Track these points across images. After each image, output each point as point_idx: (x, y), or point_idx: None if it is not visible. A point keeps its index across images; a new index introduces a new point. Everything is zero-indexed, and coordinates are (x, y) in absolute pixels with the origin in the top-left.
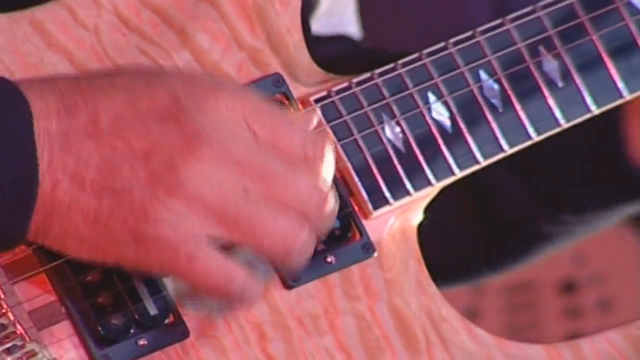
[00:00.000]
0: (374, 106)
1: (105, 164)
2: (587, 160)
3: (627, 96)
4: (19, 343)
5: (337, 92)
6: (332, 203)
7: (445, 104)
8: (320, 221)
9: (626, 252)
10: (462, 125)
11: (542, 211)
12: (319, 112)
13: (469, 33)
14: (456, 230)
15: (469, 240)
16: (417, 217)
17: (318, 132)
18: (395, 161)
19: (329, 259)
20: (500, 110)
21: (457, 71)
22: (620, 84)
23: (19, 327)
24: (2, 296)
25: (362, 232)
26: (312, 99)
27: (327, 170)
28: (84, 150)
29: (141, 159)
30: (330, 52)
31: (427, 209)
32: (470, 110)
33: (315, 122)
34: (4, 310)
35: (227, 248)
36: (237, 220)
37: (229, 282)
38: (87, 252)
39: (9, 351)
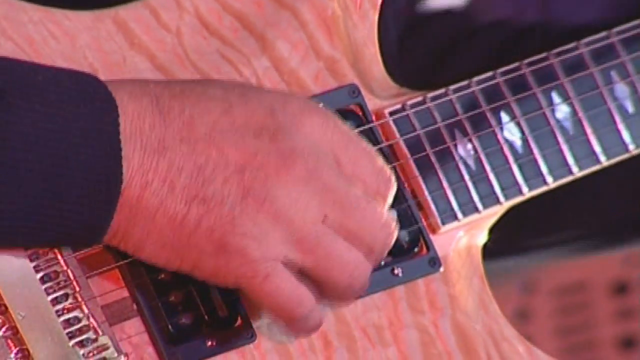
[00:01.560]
0: (447, 122)
1: (198, 171)
2: None
3: None
4: (92, 336)
5: (412, 106)
6: (393, 241)
7: (518, 124)
8: (381, 257)
9: None
10: (533, 146)
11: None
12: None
13: (542, 55)
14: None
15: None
16: (483, 236)
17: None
18: (466, 178)
19: (396, 272)
20: (571, 133)
21: (530, 92)
22: None
23: (92, 320)
24: (77, 289)
25: (430, 247)
26: (386, 111)
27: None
28: (178, 156)
29: (235, 171)
30: (405, 67)
31: (493, 229)
32: (541, 132)
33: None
34: (78, 303)
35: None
36: (314, 247)
37: (297, 306)
38: (164, 257)
39: (81, 344)
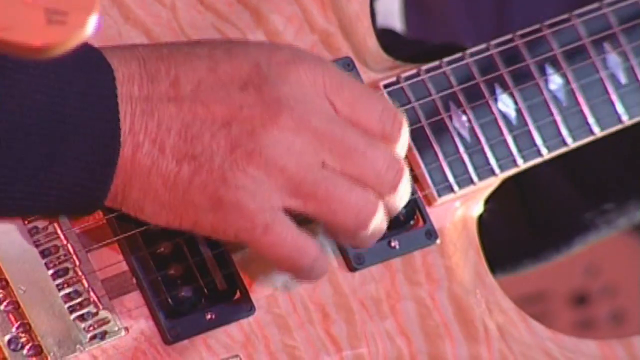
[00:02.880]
0: (441, 94)
1: (186, 129)
2: (632, 149)
3: None
4: (93, 310)
5: (406, 79)
6: (406, 181)
7: (512, 95)
8: (394, 199)
9: (638, 263)
10: (527, 117)
11: (584, 201)
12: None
13: (536, 26)
14: (501, 222)
15: (511, 231)
16: (478, 207)
17: (397, 110)
18: (461, 150)
19: (392, 244)
20: (565, 104)
21: (523, 64)
22: None
23: (92, 294)
24: (78, 263)
25: (426, 219)
26: (381, 84)
27: (402, 148)
28: (166, 115)
29: (222, 125)
30: (397, 41)
31: (488, 200)
32: (535, 103)
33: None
34: (78, 277)
35: (300, 223)
36: (314, 191)
37: (301, 255)
38: (164, 217)
39: (82, 317)
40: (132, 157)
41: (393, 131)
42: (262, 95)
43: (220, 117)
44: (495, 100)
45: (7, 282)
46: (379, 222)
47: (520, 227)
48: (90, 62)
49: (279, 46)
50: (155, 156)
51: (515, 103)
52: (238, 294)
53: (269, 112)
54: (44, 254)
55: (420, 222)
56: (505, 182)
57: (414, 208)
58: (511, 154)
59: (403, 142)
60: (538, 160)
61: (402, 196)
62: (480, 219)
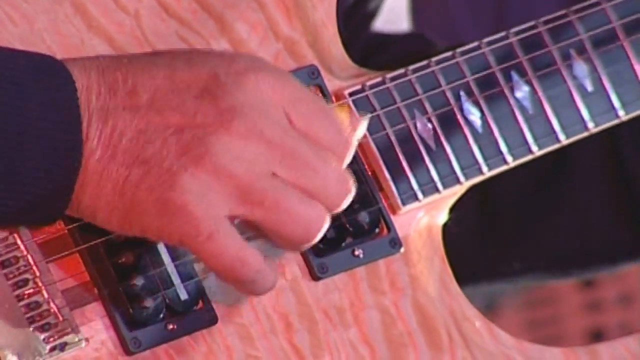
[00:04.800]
0: (406, 102)
1: (139, 135)
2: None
3: None
4: (52, 321)
5: (371, 87)
6: (351, 198)
7: (477, 103)
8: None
9: None
10: (492, 125)
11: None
12: (364, 123)
13: (501, 34)
14: (472, 230)
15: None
16: (443, 216)
17: (350, 131)
18: (426, 158)
19: (356, 252)
20: (531, 112)
21: (489, 71)
22: None
23: (52, 305)
24: (37, 274)
25: (390, 228)
26: (346, 92)
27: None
28: (120, 123)
29: (174, 131)
30: (364, 47)
31: (452, 209)
32: (500, 111)
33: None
34: (38, 288)
35: (245, 234)
36: (262, 200)
37: (243, 266)
38: (115, 222)
39: (42, 328)
40: (85, 163)
41: (343, 150)
42: (216, 102)
43: (174, 124)
44: (461, 108)
45: None
46: (321, 234)
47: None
48: (51, 72)
49: (240, 55)
50: (107, 161)
51: (481, 111)
52: (200, 304)
53: (221, 119)
54: (3, 264)
55: (385, 231)
56: (469, 191)
57: (379, 216)
58: (476, 162)
59: (347, 161)
60: (503, 168)
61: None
62: (445, 227)
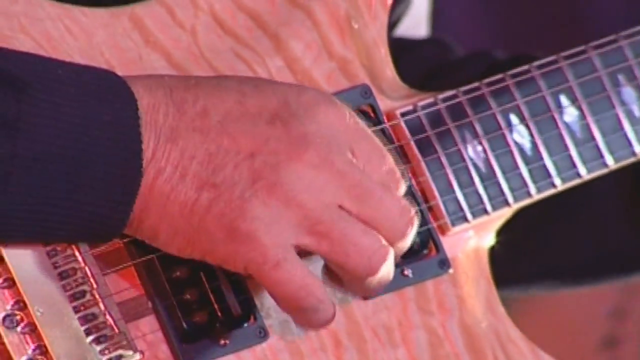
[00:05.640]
0: (457, 123)
1: (209, 158)
2: None
3: None
4: (108, 333)
5: (423, 107)
6: (415, 230)
7: (527, 126)
8: (402, 246)
9: None
10: (541, 149)
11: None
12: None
13: (552, 57)
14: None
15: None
16: (490, 237)
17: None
18: (476, 180)
19: (405, 272)
20: (579, 136)
21: (539, 94)
22: None
23: (108, 317)
24: (95, 286)
25: (439, 248)
26: (398, 112)
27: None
28: (190, 144)
29: (246, 156)
30: (415, 69)
31: (500, 232)
32: (550, 135)
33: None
34: (95, 300)
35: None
36: (329, 231)
37: (307, 295)
38: (177, 245)
39: (98, 341)
40: (152, 183)
41: (396, 189)
42: (289, 130)
43: (245, 149)
44: (511, 131)
45: (25, 304)
46: (388, 268)
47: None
48: (114, 90)
49: (307, 87)
50: (175, 183)
51: (531, 134)
52: (252, 320)
53: (294, 147)
54: (62, 276)
55: (434, 252)
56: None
57: (428, 237)
58: (525, 184)
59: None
60: (552, 191)
61: (408, 244)
62: (492, 249)
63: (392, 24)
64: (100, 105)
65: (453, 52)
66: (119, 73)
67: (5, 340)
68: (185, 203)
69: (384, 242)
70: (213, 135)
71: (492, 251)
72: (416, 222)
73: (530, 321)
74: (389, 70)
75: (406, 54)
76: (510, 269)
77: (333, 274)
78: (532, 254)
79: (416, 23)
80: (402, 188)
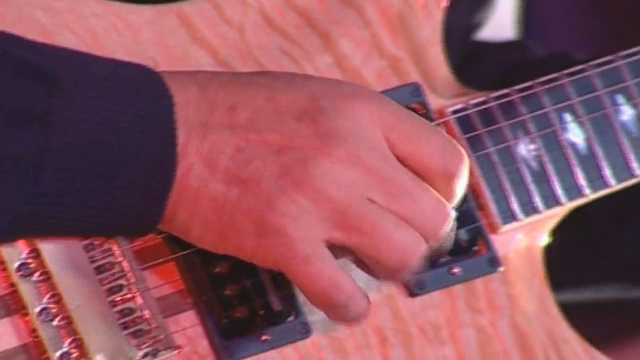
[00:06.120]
0: (510, 122)
1: (238, 154)
2: None
3: None
4: (145, 328)
5: (475, 105)
6: (450, 228)
7: (581, 125)
8: (437, 242)
9: None
10: (596, 147)
11: None
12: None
13: (609, 57)
14: (582, 253)
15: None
16: (544, 237)
17: (458, 145)
18: (528, 178)
19: (454, 270)
20: (635, 135)
21: (594, 93)
22: None
23: (146, 311)
24: (132, 280)
25: (489, 247)
26: (449, 110)
27: (463, 183)
28: (219, 139)
29: (274, 152)
30: (470, 67)
31: (555, 231)
32: (605, 134)
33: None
34: (132, 295)
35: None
36: (359, 225)
37: (336, 291)
38: (209, 240)
39: (135, 335)
40: (182, 179)
41: (455, 166)
42: (316, 126)
43: (273, 144)
44: (565, 129)
45: (61, 297)
46: (419, 263)
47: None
48: (149, 85)
49: (339, 81)
50: (205, 179)
51: (585, 133)
52: (294, 316)
53: (322, 143)
54: (99, 270)
55: (484, 250)
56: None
57: (478, 235)
58: (579, 183)
59: (464, 178)
60: (607, 190)
61: (442, 240)
62: (547, 248)
63: (475, 27)
64: (135, 100)
65: (535, 54)
66: (164, 70)
67: (41, 334)
68: (214, 198)
69: (417, 235)
70: (241, 131)
71: (548, 251)
72: (452, 219)
73: None
74: (442, 69)
75: (487, 56)
76: (572, 270)
77: (365, 266)
78: (593, 255)
79: (501, 26)
80: (464, 160)
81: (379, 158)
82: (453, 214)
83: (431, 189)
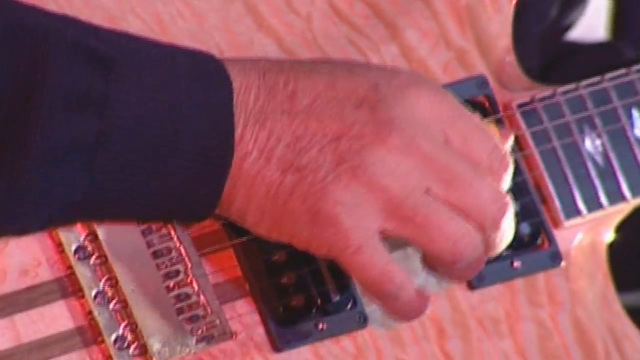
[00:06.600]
0: (576, 116)
1: (295, 141)
2: None
3: None
4: (201, 313)
5: (541, 99)
6: (510, 218)
7: None
8: (495, 235)
9: None
10: None
11: None
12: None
13: None
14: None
15: None
16: (608, 233)
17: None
18: (593, 173)
19: (515, 264)
20: None
21: None
22: None
23: (202, 297)
24: (189, 266)
25: (552, 241)
26: (514, 103)
27: (506, 185)
28: (278, 127)
29: (331, 140)
30: (539, 62)
31: (619, 228)
32: None
33: (510, 142)
34: (189, 280)
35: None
36: (413, 216)
37: (387, 281)
38: (264, 227)
39: (190, 320)
40: (239, 164)
41: (500, 170)
42: (375, 114)
43: (331, 132)
44: (632, 125)
45: (117, 281)
46: (476, 255)
47: None
48: (209, 70)
49: (401, 70)
50: (262, 165)
51: None
52: (351, 305)
53: (379, 131)
54: (156, 254)
55: (546, 244)
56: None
57: (540, 229)
58: None
59: (505, 184)
60: None
61: (504, 233)
62: (612, 245)
63: (566, 28)
64: (194, 85)
65: (625, 55)
66: (226, 57)
67: (97, 317)
68: (270, 185)
69: (472, 228)
70: (300, 118)
71: (613, 248)
72: (510, 210)
73: None
74: (510, 62)
75: (575, 57)
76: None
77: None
78: None
79: (593, 27)
80: (507, 165)
81: (436, 147)
82: (512, 205)
83: (488, 179)
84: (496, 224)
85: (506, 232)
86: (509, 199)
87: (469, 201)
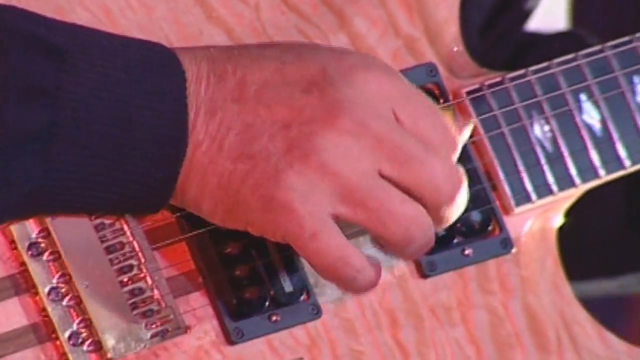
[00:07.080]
0: (525, 103)
1: (245, 129)
2: None
3: None
4: (155, 308)
5: (490, 86)
6: (464, 193)
7: (597, 106)
8: (449, 210)
9: None
10: (612, 129)
11: None
12: (471, 124)
13: (626, 38)
14: (598, 236)
15: (611, 247)
16: (558, 218)
17: (458, 132)
18: (542, 159)
19: (466, 252)
20: None
21: (611, 75)
22: None
23: (156, 292)
24: (143, 260)
25: (502, 228)
26: (464, 90)
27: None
28: (228, 115)
29: (281, 126)
30: (486, 47)
31: (568, 212)
32: (621, 115)
33: (467, 131)
34: (143, 275)
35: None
36: (366, 200)
37: (344, 265)
38: (219, 216)
39: (144, 315)
40: (192, 154)
41: (450, 150)
42: (324, 97)
43: (281, 118)
44: (580, 110)
45: (71, 277)
46: (427, 237)
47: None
48: (162, 61)
49: (350, 52)
50: (213, 154)
51: (601, 114)
52: (305, 296)
53: (328, 115)
54: (109, 250)
55: (497, 231)
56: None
57: (491, 216)
58: (593, 165)
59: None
60: (621, 172)
61: (458, 208)
62: (560, 230)
63: (523, 18)
64: (146, 75)
65: (587, 42)
66: (176, 47)
67: (50, 313)
68: (222, 174)
69: (423, 211)
70: (250, 106)
71: (561, 232)
72: (464, 185)
73: None
74: (459, 49)
75: (537, 48)
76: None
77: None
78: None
79: (554, 18)
80: (456, 146)
81: (386, 127)
82: (465, 178)
83: (441, 155)
84: (451, 200)
85: (459, 205)
86: (462, 172)
87: (422, 180)
